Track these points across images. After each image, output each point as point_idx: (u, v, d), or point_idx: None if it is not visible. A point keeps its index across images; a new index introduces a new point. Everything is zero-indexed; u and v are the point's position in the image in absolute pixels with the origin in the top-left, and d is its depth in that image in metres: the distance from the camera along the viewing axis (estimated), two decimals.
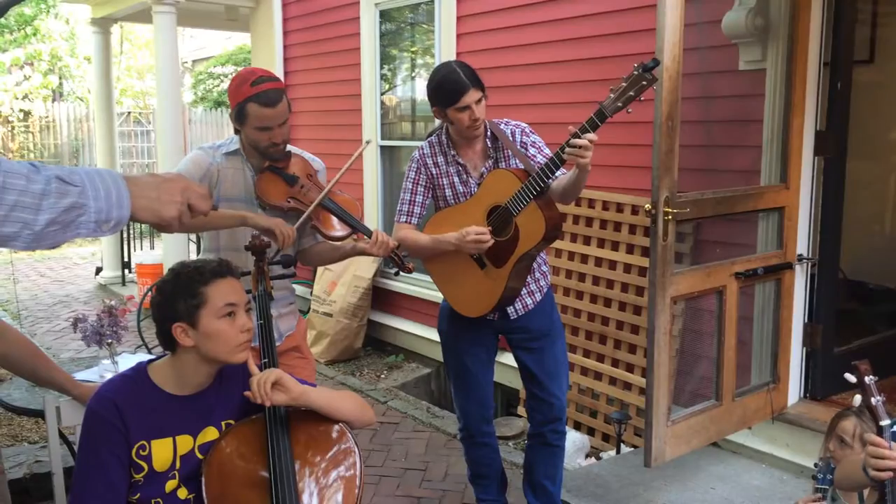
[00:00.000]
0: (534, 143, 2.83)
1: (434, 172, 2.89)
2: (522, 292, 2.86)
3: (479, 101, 2.70)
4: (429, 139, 2.94)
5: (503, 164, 2.82)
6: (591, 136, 2.43)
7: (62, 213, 1.19)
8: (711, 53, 3.67)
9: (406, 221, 2.92)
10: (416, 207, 2.92)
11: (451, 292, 2.93)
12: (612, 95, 2.42)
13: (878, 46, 4.77)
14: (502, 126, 2.85)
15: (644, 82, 2.38)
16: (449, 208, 2.89)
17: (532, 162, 2.74)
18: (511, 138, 2.82)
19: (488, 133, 2.83)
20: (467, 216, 2.78)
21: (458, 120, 2.72)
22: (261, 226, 2.41)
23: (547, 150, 2.81)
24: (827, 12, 3.43)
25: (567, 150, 2.46)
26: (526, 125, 2.89)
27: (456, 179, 2.87)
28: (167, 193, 1.33)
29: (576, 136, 2.44)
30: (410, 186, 2.92)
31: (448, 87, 2.69)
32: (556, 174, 2.60)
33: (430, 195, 2.94)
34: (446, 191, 2.89)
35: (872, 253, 4.93)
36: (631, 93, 2.39)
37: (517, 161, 2.78)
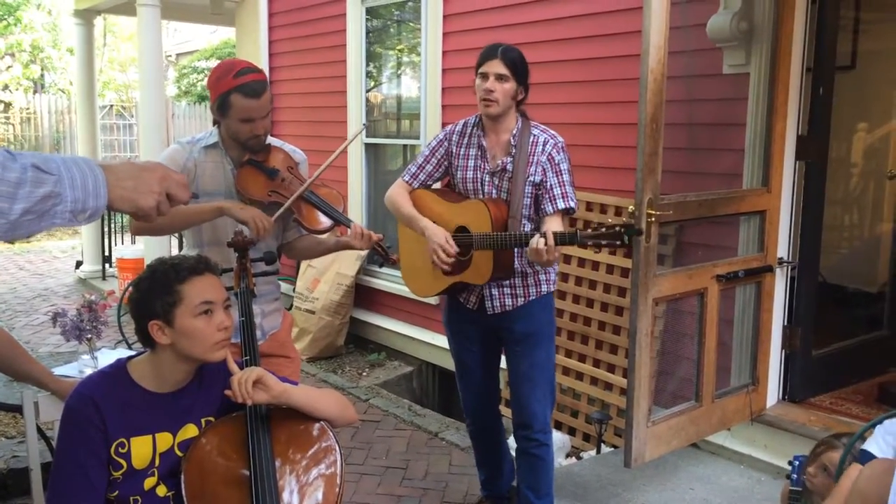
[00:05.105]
0: (557, 166, 2.77)
1: (454, 151, 2.91)
2: (505, 292, 2.86)
3: (500, 77, 2.72)
4: (465, 120, 2.95)
5: (519, 166, 2.77)
6: (550, 244, 2.46)
7: (38, 203, 1.16)
8: (696, 57, 3.70)
9: (408, 182, 2.97)
10: (422, 174, 2.96)
11: (406, 265, 3.03)
12: (590, 231, 2.44)
13: (859, 53, 4.82)
14: (535, 131, 2.81)
15: (618, 241, 2.41)
16: (437, 198, 2.90)
17: (532, 190, 2.74)
18: (540, 147, 2.78)
19: (515, 131, 2.80)
20: (443, 217, 2.83)
21: (477, 85, 2.76)
22: (237, 216, 2.38)
23: (568, 189, 2.77)
24: (810, 18, 3.46)
25: (528, 248, 2.52)
26: (561, 140, 2.83)
27: (471, 163, 2.86)
28: (145, 183, 1.30)
29: (543, 236, 2.47)
30: (427, 153, 2.97)
31: (485, 50, 2.78)
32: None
33: (441, 170, 2.96)
34: (457, 173, 2.91)
35: (851, 257, 4.98)
36: (603, 242, 2.43)
37: (526, 170, 2.75)
